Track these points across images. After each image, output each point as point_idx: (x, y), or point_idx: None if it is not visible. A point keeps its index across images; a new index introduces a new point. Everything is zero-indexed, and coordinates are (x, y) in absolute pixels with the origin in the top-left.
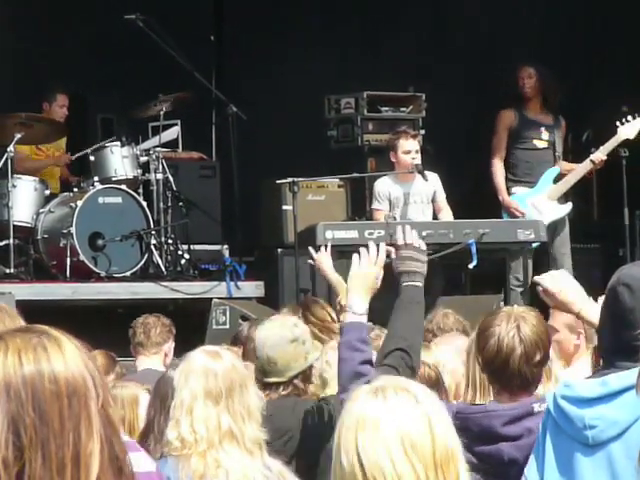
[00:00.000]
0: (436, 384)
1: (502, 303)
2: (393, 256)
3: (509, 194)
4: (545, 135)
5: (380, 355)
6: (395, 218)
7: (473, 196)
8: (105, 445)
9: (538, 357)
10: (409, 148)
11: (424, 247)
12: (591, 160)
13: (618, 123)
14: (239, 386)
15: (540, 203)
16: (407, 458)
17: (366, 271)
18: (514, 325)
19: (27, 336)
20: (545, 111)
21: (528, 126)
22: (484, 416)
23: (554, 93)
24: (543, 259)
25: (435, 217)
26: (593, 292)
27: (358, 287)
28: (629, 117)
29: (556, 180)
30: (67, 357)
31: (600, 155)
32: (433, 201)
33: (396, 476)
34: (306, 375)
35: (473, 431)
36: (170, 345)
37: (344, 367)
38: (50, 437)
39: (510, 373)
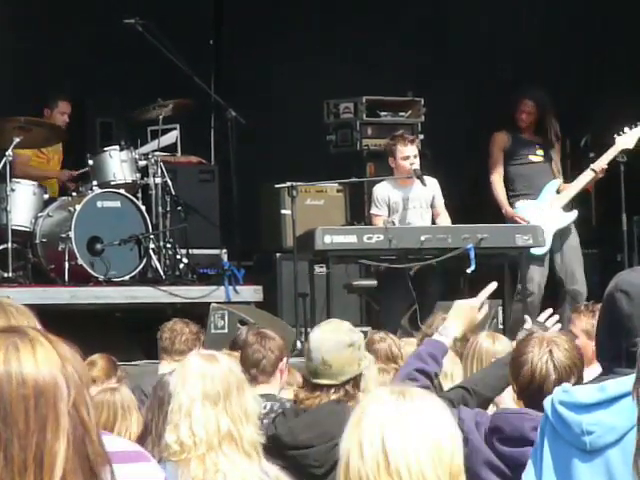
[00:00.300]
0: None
1: (500, 308)
2: (527, 326)
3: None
4: (540, 152)
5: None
6: (394, 223)
7: (472, 200)
8: (73, 445)
9: (572, 381)
10: (407, 154)
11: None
12: (592, 169)
13: (615, 135)
14: (236, 388)
15: (545, 213)
16: (432, 462)
17: (469, 304)
18: (546, 350)
19: (4, 336)
20: (538, 133)
21: (522, 145)
22: (517, 417)
23: (551, 125)
24: (553, 266)
25: (434, 222)
26: (591, 297)
27: (455, 314)
28: (625, 128)
29: (558, 191)
30: (39, 358)
31: (601, 164)
32: (432, 206)
33: (420, 473)
34: (356, 381)
35: (504, 430)
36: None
37: (401, 370)
38: (14, 439)
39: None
